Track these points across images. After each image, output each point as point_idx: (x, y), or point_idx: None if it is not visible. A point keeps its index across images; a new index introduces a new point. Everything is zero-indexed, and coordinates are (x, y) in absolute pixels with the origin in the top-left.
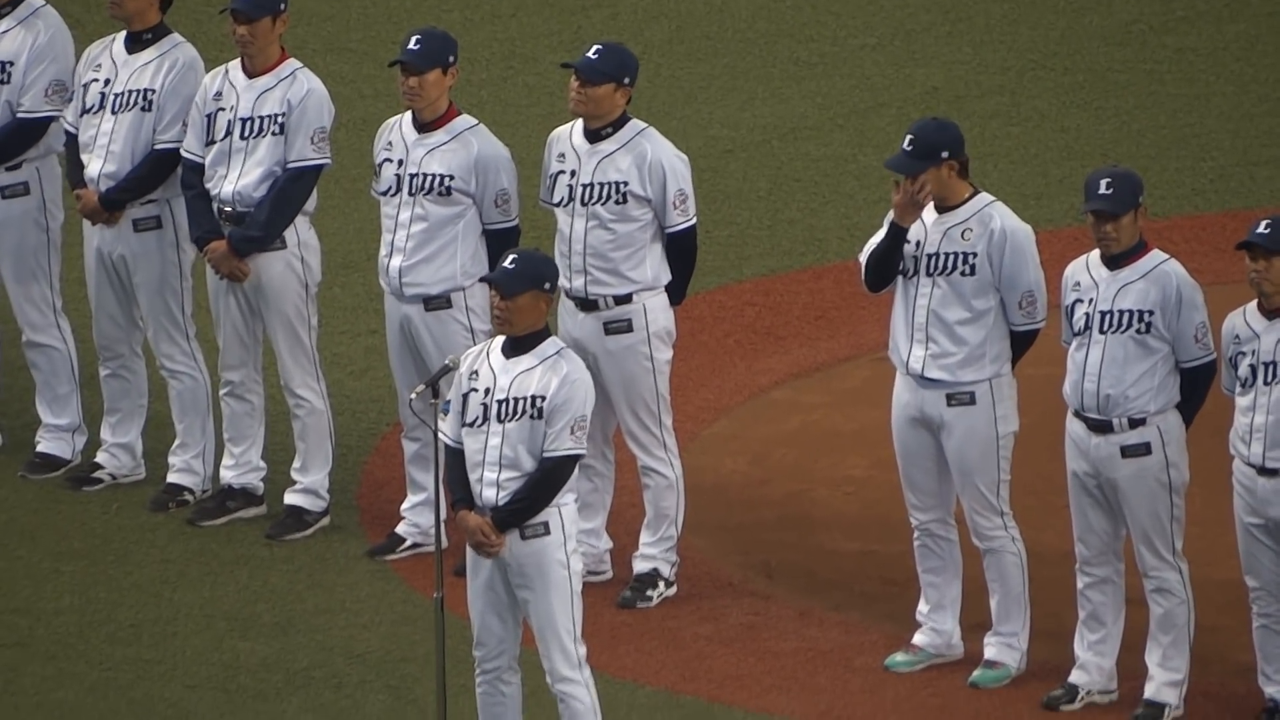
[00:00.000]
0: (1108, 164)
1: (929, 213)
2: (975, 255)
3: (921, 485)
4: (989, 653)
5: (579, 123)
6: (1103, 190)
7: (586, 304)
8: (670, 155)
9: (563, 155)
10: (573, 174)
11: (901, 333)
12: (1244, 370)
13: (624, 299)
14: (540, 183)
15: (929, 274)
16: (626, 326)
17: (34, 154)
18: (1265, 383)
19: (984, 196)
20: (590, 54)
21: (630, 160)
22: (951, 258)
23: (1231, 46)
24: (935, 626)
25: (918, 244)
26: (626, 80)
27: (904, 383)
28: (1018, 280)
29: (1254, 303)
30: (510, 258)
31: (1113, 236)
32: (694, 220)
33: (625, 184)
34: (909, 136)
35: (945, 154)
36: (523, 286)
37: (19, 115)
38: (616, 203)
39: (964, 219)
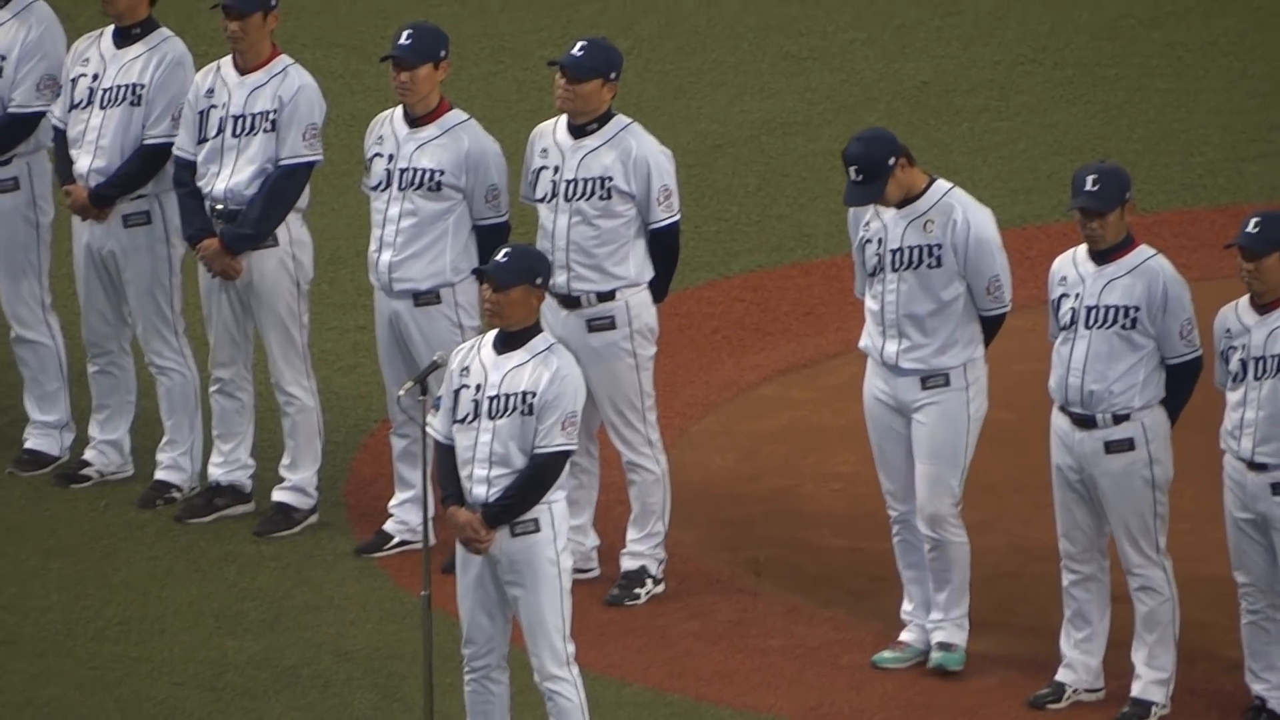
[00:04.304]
0: (1096, 159)
1: (888, 210)
2: (940, 247)
3: (898, 473)
4: (940, 636)
5: (562, 118)
6: (1089, 187)
7: (569, 300)
8: (655, 151)
9: (545, 151)
10: (556, 170)
11: (874, 328)
12: (1235, 365)
13: (607, 295)
14: (522, 179)
15: (894, 269)
16: (610, 323)
17: (24, 149)
18: (1256, 377)
19: (941, 184)
20: (575, 51)
21: (615, 155)
22: (916, 251)
23: (1221, 41)
24: (922, 624)
25: (880, 241)
26: (613, 75)
27: (876, 369)
28: (983, 267)
29: (1245, 297)
30: (504, 251)
31: (1099, 233)
32: (677, 216)
33: (610, 179)
34: (852, 167)
35: (891, 160)
36: (515, 280)
37: (10, 110)
38: (601, 198)
39: (924, 211)
